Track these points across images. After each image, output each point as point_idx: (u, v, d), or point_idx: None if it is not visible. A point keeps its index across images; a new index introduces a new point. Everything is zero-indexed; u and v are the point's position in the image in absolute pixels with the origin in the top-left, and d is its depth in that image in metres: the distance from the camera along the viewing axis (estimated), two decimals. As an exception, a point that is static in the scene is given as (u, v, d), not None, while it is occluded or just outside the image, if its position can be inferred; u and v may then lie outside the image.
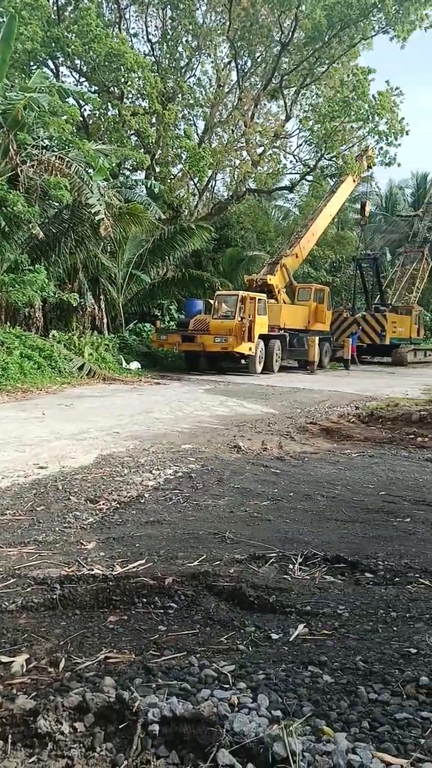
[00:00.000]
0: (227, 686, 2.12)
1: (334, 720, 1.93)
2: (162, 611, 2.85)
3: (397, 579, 3.27)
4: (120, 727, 1.91)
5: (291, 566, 3.42)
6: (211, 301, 19.87)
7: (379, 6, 24.23)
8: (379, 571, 3.36)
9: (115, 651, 2.46)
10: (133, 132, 23.94)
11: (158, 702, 1.97)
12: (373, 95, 24.20)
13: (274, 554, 3.58)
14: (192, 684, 2.13)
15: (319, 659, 2.31)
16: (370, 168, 28.10)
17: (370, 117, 24.63)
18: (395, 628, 2.65)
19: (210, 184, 29.50)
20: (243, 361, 19.51)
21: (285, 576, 3.30)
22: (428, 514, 4.67)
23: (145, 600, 2.92)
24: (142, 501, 4.84)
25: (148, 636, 2.61)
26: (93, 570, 3.30)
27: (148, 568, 3.32)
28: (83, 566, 3.38)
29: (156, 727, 1.87)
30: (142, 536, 3.95)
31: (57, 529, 4.14)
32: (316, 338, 21.68)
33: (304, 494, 5.20)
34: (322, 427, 9.16)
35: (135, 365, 18.59)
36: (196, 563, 3.40)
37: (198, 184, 28.06)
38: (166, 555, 3.56)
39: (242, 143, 27.10)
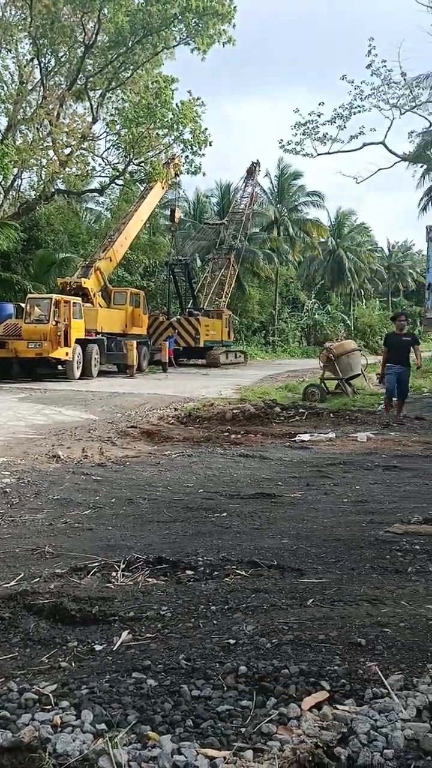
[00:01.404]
0: (49, 707, 2.04)
1: (159, 723, 1.94)
2: (-24, 639, 2.67)
3: (215, 573, 3.39)
4: None
5: (114, 574, 3.39)
6: (23, 305, 19.06)
7: (180, 18, 24.95)
8: (199, 567, 3.46)
9: None
10: None
11: (-27, 738, 1.84)
12: (177, 104, 24.88)
13: (97, 563, 3.52)
14: (11, 710, 2.03)
15: (143, 664, 2.31)
16: (178, 176, 28.88)
17: (174, 125, 25.27)
18: (215, 622, 2.74)
19: (16, 182, 28.29)
20: (60, 367, 18.98)
21: (108, 584, 3.26)
22: (242, 507, 4.90)
23: None
24: None
25: (-40, 668, 2.43)
26: None
27: (-41, 595, 3.09)
28: None
29: (-29, 766, 1.74)
30: None
31: None
32: (134, 342, 21.81)
33: (126, 499, 5.19)
34: (142, 430, 9.23)
35: None
36: (12, 583, 3.24)
37: (2, 182, 26.74)
38: (-22, 579, 3.34)
39: (48, 143, 26.35)
